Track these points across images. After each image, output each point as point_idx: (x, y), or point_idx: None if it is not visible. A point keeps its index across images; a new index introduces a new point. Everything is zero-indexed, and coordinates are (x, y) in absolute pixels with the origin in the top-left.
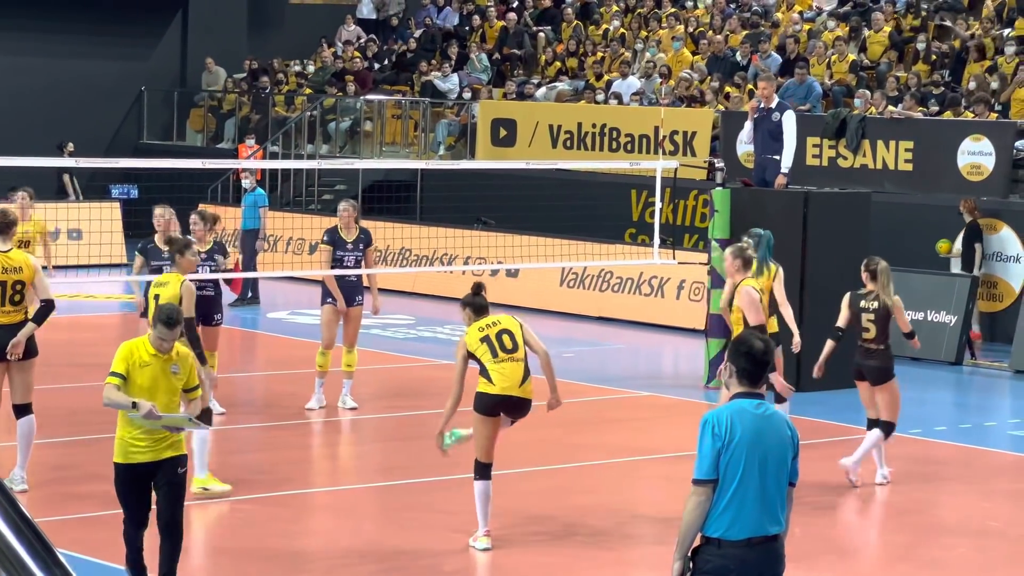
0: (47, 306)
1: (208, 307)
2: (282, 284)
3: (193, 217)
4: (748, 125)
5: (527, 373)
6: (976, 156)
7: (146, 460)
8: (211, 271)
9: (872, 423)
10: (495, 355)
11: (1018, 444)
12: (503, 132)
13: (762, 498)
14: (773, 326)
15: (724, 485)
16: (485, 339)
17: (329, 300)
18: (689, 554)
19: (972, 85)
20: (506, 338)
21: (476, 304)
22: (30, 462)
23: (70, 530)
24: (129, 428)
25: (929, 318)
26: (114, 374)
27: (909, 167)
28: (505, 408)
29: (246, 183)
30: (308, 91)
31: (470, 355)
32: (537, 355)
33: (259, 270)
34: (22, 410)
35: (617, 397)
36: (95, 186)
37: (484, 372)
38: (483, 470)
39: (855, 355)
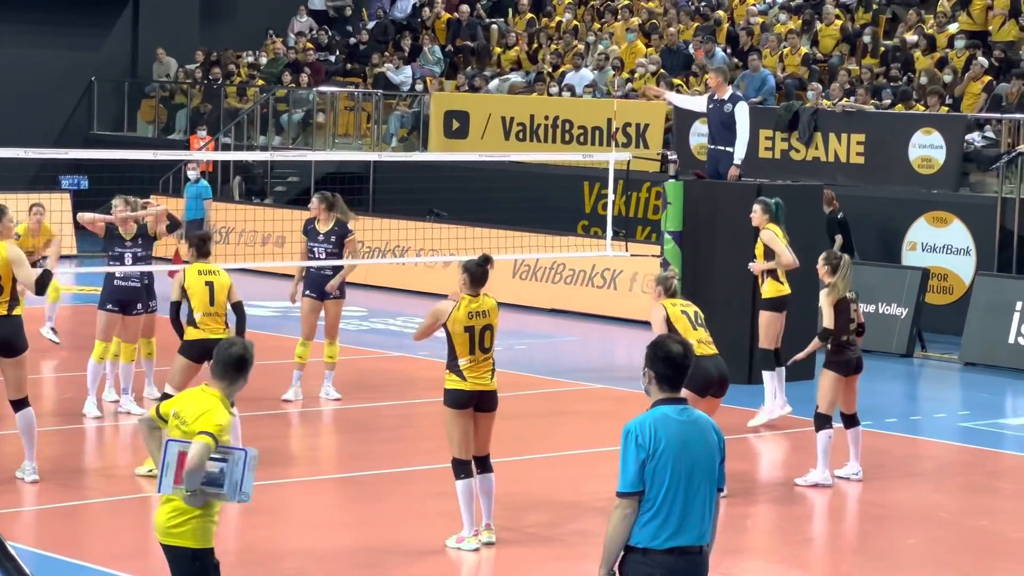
0: (44, 275)
1: (140, 296)
2: (236, 277)
3: (117, 202)
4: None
5: (494, 368)
6: (927, 149)
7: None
8: (137, 258)
9: (850, 419)
10: (471, 352)
11: (968, 436)
12: (456, 124)
13: (691, 508)
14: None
15: (651, 494)
16: (470, 329)
17: (308, 293)
18: (615, 567)
19: (924, 80)
20: (487, 336)
21: (476, 273)
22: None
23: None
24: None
25: (880, 310)
26: (209, 435)
27: (861, 160)
28: (477, 402)
29: (190, 173)
30: (260, 82)
31: (445, 326)
32: None
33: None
34: (19, 404)
35: (570, 390)
36: (45, 176)
37: (455, 368)
38: (463, 467)
39: (846, 351)
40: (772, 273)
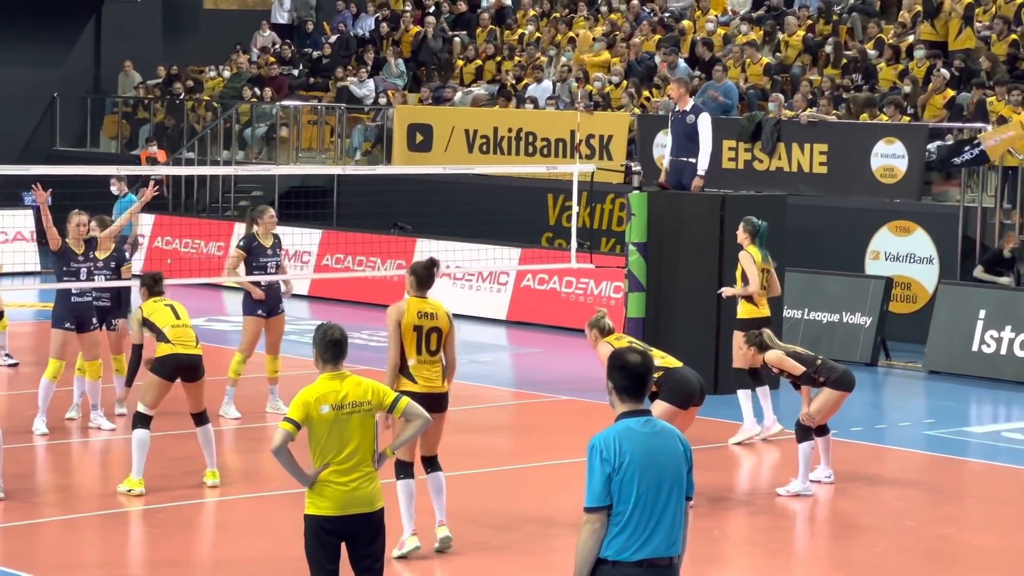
0: None
1: (106, 315)
2: (197, 291)
3: (93, 223)
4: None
5: (444, 371)
6: (889, 159)
7: None
8: (107, 279)
9: (821, 428)
10: (418, 352)
11: (932, 444)
12: (419, 137)
13: (659, 519)
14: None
15: (619, 508)
16: (418, 329)
17: (259, 312)
18: None
19: (866, 95)
20: (433, 338)
21: (422, 276)
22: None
23: None
24: None
25: (844, 320)
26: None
27: (824, 170)
28: (428, 404)
29: (114, 189)
30: (222, 97)
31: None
32: (447, 362)
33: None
34: None
35: (534, 401)
36: (7, 193)
37: (405, 371)
38: (407, 469)
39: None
40: (747, 295)
